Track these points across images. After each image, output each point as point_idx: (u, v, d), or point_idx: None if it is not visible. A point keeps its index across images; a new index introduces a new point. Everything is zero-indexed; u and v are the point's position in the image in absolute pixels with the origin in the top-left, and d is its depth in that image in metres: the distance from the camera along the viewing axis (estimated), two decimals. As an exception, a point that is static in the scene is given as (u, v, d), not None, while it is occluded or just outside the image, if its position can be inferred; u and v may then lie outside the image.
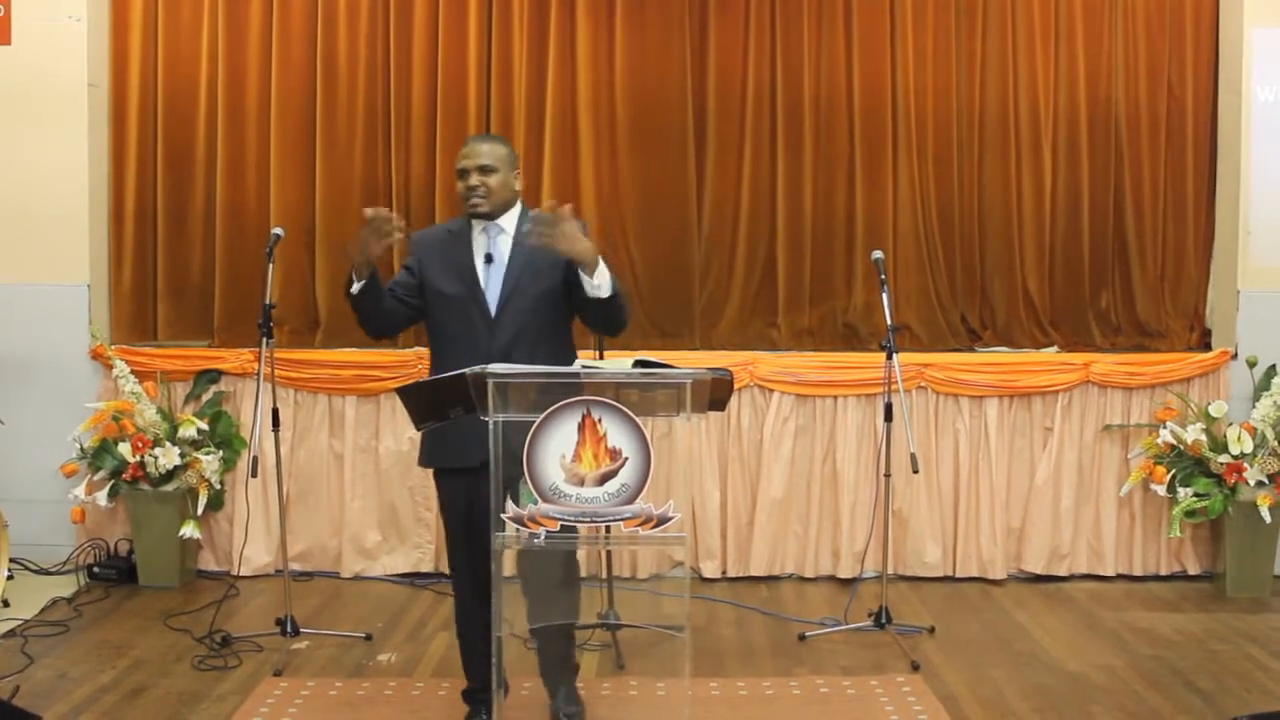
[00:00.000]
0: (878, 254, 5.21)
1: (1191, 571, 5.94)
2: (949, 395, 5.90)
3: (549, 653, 3.95)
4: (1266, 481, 5.55)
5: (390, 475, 5.88)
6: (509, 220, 3.91)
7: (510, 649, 3.60)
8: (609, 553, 5.10)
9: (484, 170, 3.85)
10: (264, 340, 4.85)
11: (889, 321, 5.01)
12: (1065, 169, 6.27)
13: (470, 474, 3.60)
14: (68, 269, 5.99)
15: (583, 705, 4.01)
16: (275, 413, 5.03)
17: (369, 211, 3.71)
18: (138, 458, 5.55)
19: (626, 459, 3.14)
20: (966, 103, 6.25)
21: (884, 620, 5.06)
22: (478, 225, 3.90)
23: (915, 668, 4.66)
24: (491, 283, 3.84)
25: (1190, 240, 6.29)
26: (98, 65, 6.06)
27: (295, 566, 5.73)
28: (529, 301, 3.81)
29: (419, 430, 3.65)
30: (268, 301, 4.87)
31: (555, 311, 3.85)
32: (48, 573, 5.78)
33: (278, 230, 5.10)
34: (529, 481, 3.13)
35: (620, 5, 6.17)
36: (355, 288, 3.81)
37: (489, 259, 3.85)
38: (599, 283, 3.66)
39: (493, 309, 3.81)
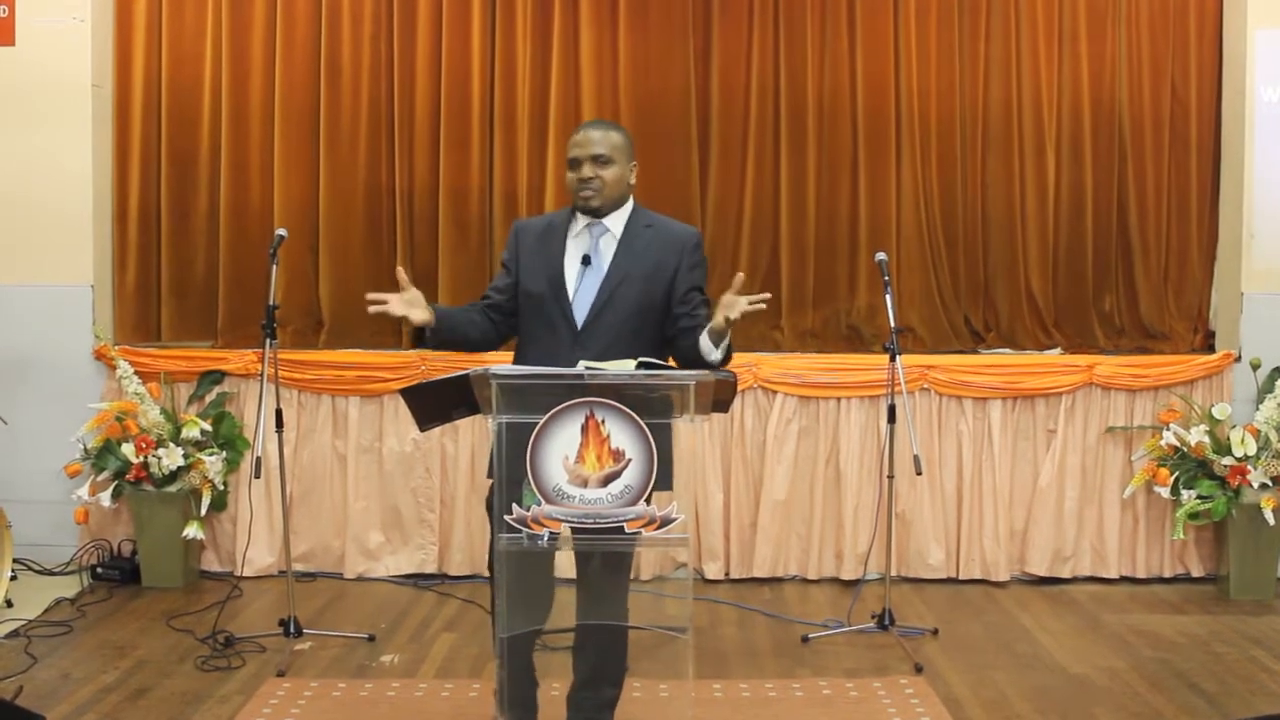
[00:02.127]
0: (881, 255, 5.21)
1: (1195, 574, 5.93)
2: (952, 397, 5.89)
3: (594, 655, 3.63)
4: (1270, 484, 5.55)
5: (393, 476, 5.88)
6: (617, 220, 3.59)
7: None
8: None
9: (598, 161, 3.51)
10: (267, 341, 4.84)
11: (892, 323, 5.00)
12: (1069, 170, 6.27)
13: None
14: (71, 269, 5.99)
15: None
16: (279, 413, 5.02)
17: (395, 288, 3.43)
18: (141, 458, 5.55)
19: (630, 460, 3.14)
20: (970, 104, 6.25)
21: (887, 622, 5.06)
22: (580, 221, 3.58)
23: (918, 669, 4.66)
24: (584, 289, 3.52)
25: (1194, 242, 6.29)
26: (102, 66, 6.07)
27: (298, 567, 5.73)
28: (623, 315, 3.52)
29: (422, 431, 3.64)
30: (271, 302, 4.87)
31: (651, 329, 3.56)
32: (51, 573, 5.78)
33: (281, 231, 5.10)
34: (532, 482, 3.13)
35: (624, 7, 6.18)
36: (427, 334, 3.51)
37: (586, 261, 3.53)
38: (720, 355, 3.46)
39: (580, 319, 3.52)
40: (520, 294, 3.61)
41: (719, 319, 3.39)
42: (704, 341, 3.46)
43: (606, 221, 3.59)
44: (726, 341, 3.47)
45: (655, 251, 3.57)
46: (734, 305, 3.35)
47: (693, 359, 3.50)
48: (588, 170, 3.53)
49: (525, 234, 3.67)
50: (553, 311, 3.54)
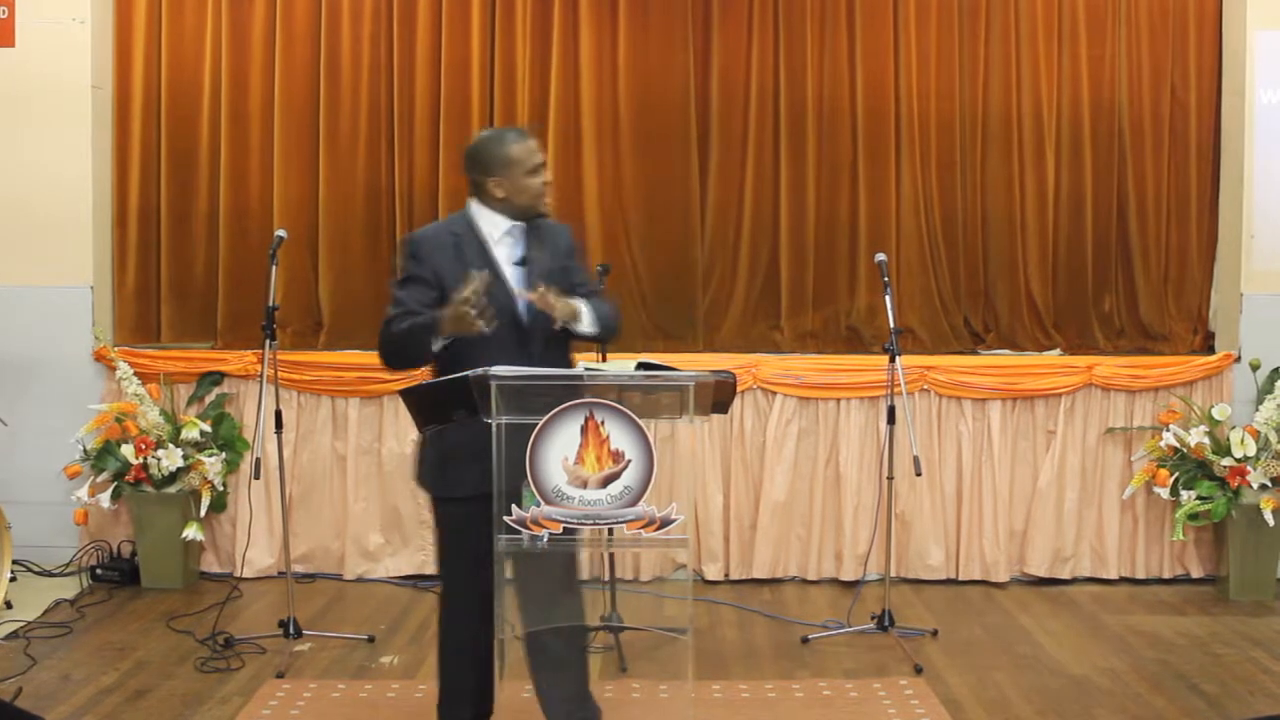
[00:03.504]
0: (881, 256, 5.21)
1: (1194, 574, 5.93)
2: (952, 398, 5.89)
3: (552, 659, 3.65)
4: (1270, 484, 5.55)
5: (393, 477, 5.88)
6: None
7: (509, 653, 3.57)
8: (612, 555, 5.10)
9: (545, 166, 3.67)
10: (267, 342, 4.85)
11: (892, 324, 5.00)
12: (1068, 172, 6.27)
13: (485, 499, 3.27)
14: (71, 270, 5.99)
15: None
16: (278, 414, 5.02)
17: (471, 290, 3.34)
18: (141, 459, 5.55)
19: (629, 461, 3.14)
20: (970, 105, 6.25)
21: (887, 623, 5.06)
22: (497, 226, 3.61)
23: (918, 670, 4.66)
24: (519, 288, 3.58)
25: (1193, 243, 6.29)
26: (102, 67, 6.07)
27: (298, 568, 5.72)
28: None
29: (423, 433, 3.63)
30: (271, 303, 4.87)
31: None
32: (50, 574, 5.78)
33: (281, 232, 5.10)
34: (531, 484, 3.13)
35: (624, 8, 6.18)
36: (437, 346, 3.45)
37: (523, 262, 3.59)
38: (587, 329, 3.60)
39: (525, 316, 3.55)
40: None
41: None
42: (576, 330, 3.61)
43: (518, 223, 3.65)
44: (584, 318, 3.58)
45: (552, 247, 3.70)
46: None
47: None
48: (547, 175, 3.67)
49: (430, 246, 3.60)
50: (499, 315, 3.47)
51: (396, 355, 3.57)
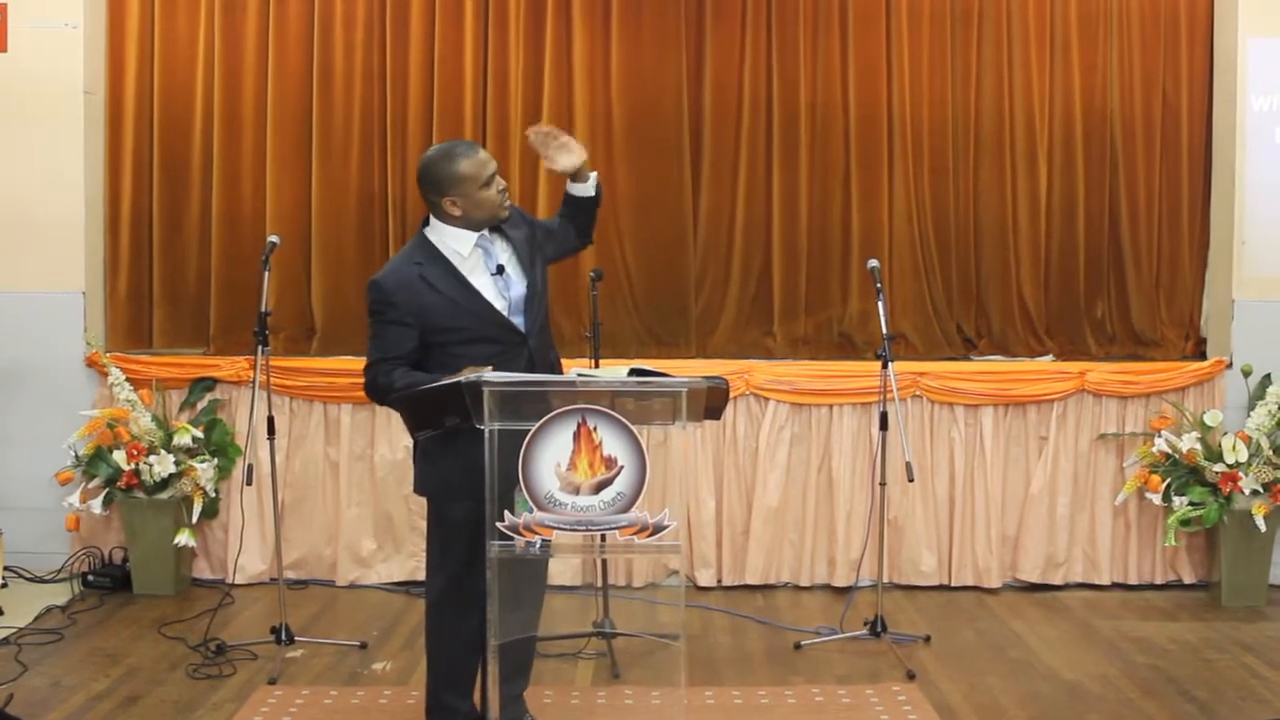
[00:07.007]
0: (873, 263, 5.21)
1: (1187, 580, 5.94)
2: (944, 404, 5.90)
3: (515, 662, 3.70)
4: (1261, 490, 5.56)
5: (386, 483, 5.87)
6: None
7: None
8: (604, 561, 5.09)
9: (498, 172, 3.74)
10: (259, 348, 4.84)
11: (885, 330, 5.01)
12: (1060, 178, 6.28)
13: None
14: (63, 276, 5.97)
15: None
16: (271, 420, 5.01)
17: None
18: (133, 465, 5.53)
19: (622, 467, 3.14)
20: (962, 112, 6.26)
21: (879, 629, 5.06)
22: (464, 242, 3.63)
23: (911, 676, 4.66)
24: (513, 295, 3.65)
25: (1185, 249, 6.30)
26: (94, 72, 6.06)
27: (290, 574, 5.71)
28: (543, 299, 3.75)
29: (415, 438, 3.63)
30: (263, 309, 4.87)
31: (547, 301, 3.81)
32: (42, 580, 5.76)
33: (274, 238, 5.09)
34: (524, 490, 3.13)
35: (617, 14, 6.18)
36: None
37: (500, 270, 3.64)
38: (589, 183, 3.88)
39: (521, 324, 3.64)
40: (440, 333, 3.57)
41: (559, 166, 3.88)
42: (575, 189, 3.91)
43: (486, 231, 3.68)
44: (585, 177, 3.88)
45: (521, 234, 3.77)
46: (543, 145, 3.90)
47: (583, 213, 3.97)
48: (502, 182, 3.67)
49: (400, 289, 3.58)
50: (488, 332, 3.58)
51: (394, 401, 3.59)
